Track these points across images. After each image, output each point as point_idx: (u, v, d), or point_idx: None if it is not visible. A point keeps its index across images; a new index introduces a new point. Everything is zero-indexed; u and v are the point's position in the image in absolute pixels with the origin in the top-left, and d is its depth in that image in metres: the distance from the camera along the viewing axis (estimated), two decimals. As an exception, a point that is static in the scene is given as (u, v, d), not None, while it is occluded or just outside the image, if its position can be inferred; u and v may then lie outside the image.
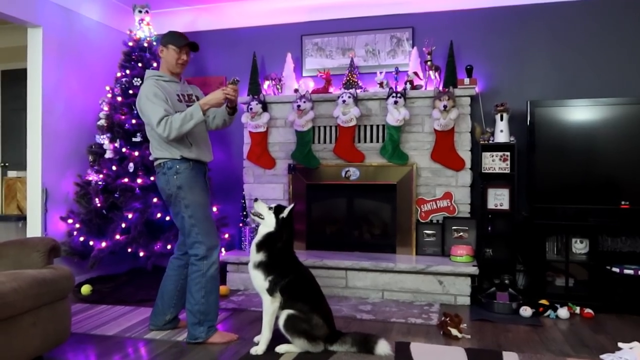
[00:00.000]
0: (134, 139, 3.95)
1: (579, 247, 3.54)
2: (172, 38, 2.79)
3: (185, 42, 2.78)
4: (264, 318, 2.59)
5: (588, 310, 3.29)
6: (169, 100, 2.68)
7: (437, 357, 2.53)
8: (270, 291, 2.58)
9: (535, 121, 3.69)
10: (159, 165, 2.76)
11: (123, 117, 3.99)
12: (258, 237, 2.67)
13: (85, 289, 3.84)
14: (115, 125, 3.97)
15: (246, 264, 3.94)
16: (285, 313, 2.56)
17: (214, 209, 4.28)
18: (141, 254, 3.78)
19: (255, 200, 2.75)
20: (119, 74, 4.19)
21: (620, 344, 2.57)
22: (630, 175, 3.53)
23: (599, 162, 3.58)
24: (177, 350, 2.65)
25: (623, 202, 3.51)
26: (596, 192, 3.58)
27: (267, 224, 2.66)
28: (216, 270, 2.76)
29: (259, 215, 2.69)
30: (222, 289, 3.82)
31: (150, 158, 2.83)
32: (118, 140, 3.97)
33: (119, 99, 4.06)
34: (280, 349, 2.56)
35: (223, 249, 4.23)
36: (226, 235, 4.33)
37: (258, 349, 2.55)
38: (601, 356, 2.54)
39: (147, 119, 2.67)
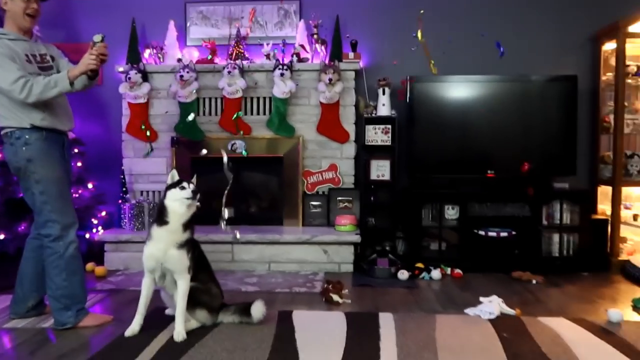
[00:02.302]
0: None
1: (451, 213, 3.81)
2: None
3: None
4: (181, 301, 2.38)
5: (458, 271, 3.58)
6: (16, 59, 2.38)
7: (318, 322, 2.60)
8: (190, 269, 2.42)
9: (414, 96, 3.87)
10: (5, 134, 2.46)
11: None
12: (184, 217, 2.39)
13: None
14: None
15: (126, 242, 3.79)
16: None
17: (90, 185, 3.99)
18: (1, 236, 3.41)
19: (180, 183, 2.41)
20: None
21: (481, 299, 2.83)
22: (497, 147, 3.86)
23: (471, 135, 3.86)
24: (42, 338, 2.44)
25: (489, 172, 3.84)
26: (467, 163, 3.87)
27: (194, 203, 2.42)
28: (76, 250, 2.53)
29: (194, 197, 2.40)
30: (99, 269, 3.61)
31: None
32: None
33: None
34: (179, 328, 2.37)
35: (100, 228, 3.96)
36: (103, 213, 4.05)
37: (179, 335, 2.35)
38: (465, 310, 2.78)
39: None
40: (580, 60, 4.14)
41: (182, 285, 2.40)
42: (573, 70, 4.02)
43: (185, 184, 2.39)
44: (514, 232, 3.67)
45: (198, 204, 2.44)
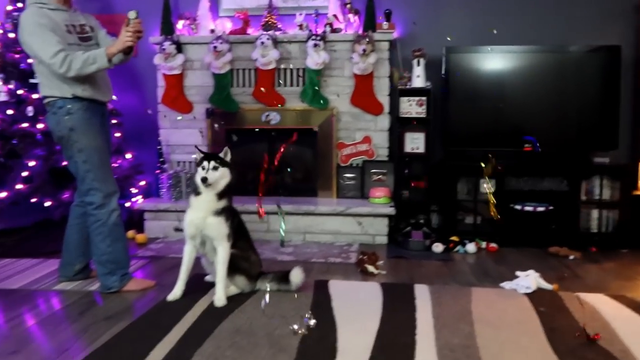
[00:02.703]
0: (31, 80, 3.59)
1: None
2: None
3: None
4: (221, 267, 2.45)
5: (493, 245, 3.55)
6: (56, 31, 2.41)
7: (353, 292, 2.63)
8: (230, 236, 2.48)
9: (450, 67, 3.79)
10: (48, 104, 2.52)
11: (17, 55, 3.62)
12: (217, 188, 2.45)
13: (-14, 243, 3.57)
14: (9, 65, 3.60)
15: (164, 211, 3.89)
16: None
17: (128, 155, 4.08)
18: (48, 204, 3.54)
19: (202, 162, 2.45)
20: (9, 7, 3.76)
21: (517, 273, 2.81)
22: (534, 120, 3.77)
23: (508, 107, 3.77)
24: (89, 300, 2.55)
25: (526, 145, 3.75)
26: (504, 136, 3.79)
27: (224, 175, 2.47)
28: (118, 217, 2.62)
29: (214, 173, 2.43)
30: (140, 237, 3.72)
31: (39, 95, 2.56)
32: (13, 82, 3.61)
33: (11, 35, 3.65)
34: (219, 294, 2.44)
35: (140, 197, 4.07)
36: (142, 183, 4.15)
37: (220, 300, 2.42)
38: (501, 284, 2.77)
39: (34, 52, 2.41)
40: (624, 30, 3.96)
41: (222, 252, 2.46)
42: (616, 40, 3.85)
43: (205, 164, 2.43)
44: (551, 207, 3.60)
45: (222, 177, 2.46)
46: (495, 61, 3.78)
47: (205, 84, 4.15)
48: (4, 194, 3.49)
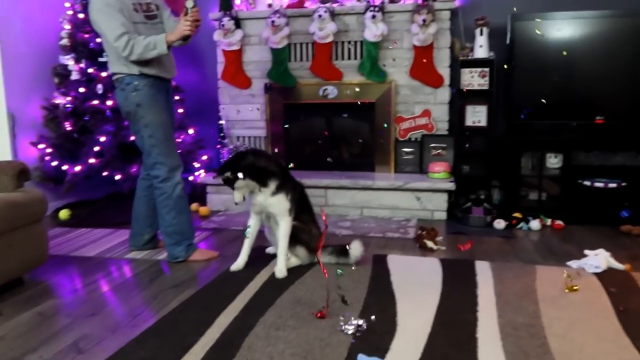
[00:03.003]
0: (100, 59, 3.75)
1: (553, 162, 3.59)
2: None
3: None
4: (282, 240, 2.51)
5: (558, 222, 3.40)
6: (124, 11, 2.49)
7: (412, 267, 2.62)
8: (291, 210, 2.53)
9: (515, 36, 3.60)
10: (117, 80, 2.63)
11: (87, 35, 3.77)
12: (258, 184, 2.49)
13: (64, 214, 3.82)
14: (79, 45, 3.77)
15: (225, 185, 3.99)
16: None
17: (190, 131, 4.20)
18: (117, 177, 3.73)
19: (235, 179, 2.45)
20: (79, -12, 3.91)
21: (586, 251, 2.69)
22: (607, 91, 3.53)
23: (578, 78, 3.55)
24: (157, 269, 2.69)
25: (598, 117, 3.54)
26: (572, 108, 3.59)
27: (248, 182, 2.47)
28: (182, 190, 2.72)
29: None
30: (203, 209, 3.86)
31: (108, 72, 2.68)
32: (83, 61, 3.78)
33: (81, 15, 3.81)
34: (280, 265, 2.50)
35: (202, 171, 4.20)
36: (204, 157, 4.28)
37: (280, 272, 2.48)
38: (568, 263, 2.66)
39: (101, 31, 2.51)
40: None
41: (283, 226, 2.52)
42: None
43: (228, 174, 2.45)
44: (623, 183, 3.40)
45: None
46: (564, 27, 3.55)
47: (263, 59, 4.18)
48: (78, 168, 3.70)
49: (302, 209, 2.62)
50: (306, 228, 2.62)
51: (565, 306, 2.12)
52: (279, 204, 2.50)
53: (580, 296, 2.22)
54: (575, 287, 2.27)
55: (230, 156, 2.53)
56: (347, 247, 2.60)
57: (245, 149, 4.11)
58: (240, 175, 2.42)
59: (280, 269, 2.49)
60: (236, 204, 2.52)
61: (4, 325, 2.03)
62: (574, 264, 2.63)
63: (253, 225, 2.62)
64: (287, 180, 2.57)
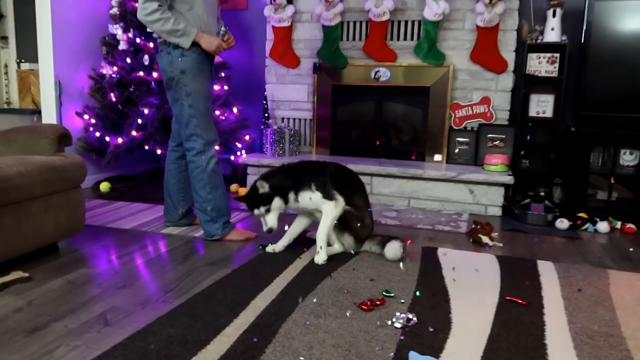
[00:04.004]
0: (148, 29, 3.66)
1: (628, 159, 3.25)
2: None
3: None
4: (325, 226, 2.31)
5: (630, 225, 3.07)
6: None
7: (466, 262, 2.38)
8: (326, 194, 2.32)
9: (593, 18, 3.26)
10: (163, 42, 2.48)
11: (136, 4, 3.67)
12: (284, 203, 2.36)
13: (104, 186, 3.77)
14: (129, 14, 3.69)
15: (267, 166, 3.84)
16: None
17: (234, 109, 4.07)
18: (159, 152, 3.64)
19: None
20: (131, -43, 3.83)
21: (668, 258, 2.38)
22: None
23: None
24: (193, 246, 2.56)
25: (682, 112, 3.16)
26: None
27: (277, 202, 2.31)
28: (216, 164, 2.58)
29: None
30: (243, 190, 3.72)
31: (154, 35, 2.55)
32: (132, 30, 3.70)
33: (132, -16, 3.74)
34: (320, 251, 2.32)
35: (244, 151, 4.07)
36: (247, 137, 4.14)
37: (320, 258, 2.30)
38: (646, 269, 2.36)
39: None
40: None
41: (327, 210, 2.33)
42: None
43: (256, 212, 2.31)
44: None
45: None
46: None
47: (314, 37, 3.99)
48: (120, 140, 3.63)
49: (352, 193, 2.41)
50: (359, 215, 2.40)
51: (648, 317, 1.84)
52: (316, 202, 2.33)
53: (665, 307, 1.94)
54: (657, 297, 1.98)
55: (248, 194, 2.36)
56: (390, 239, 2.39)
57: (290, 130, 3.96)
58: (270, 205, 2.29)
59: (321, 256, 2.30)
60: (271, 231, 2.31)
61: (33, 291, 1.95)
62: (653, 271, 2.32)
63: (301, 221, 2.52)
64: (298, 175, 2.36)
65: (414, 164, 3.67)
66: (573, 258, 2.54)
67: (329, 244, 2.41)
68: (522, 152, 3.55)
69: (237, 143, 4.04)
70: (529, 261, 2.42)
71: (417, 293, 1.98)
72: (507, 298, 1.96)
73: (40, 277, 2.08)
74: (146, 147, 3.66)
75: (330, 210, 2.32)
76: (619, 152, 3.24)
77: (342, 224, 2.37)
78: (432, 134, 3.81)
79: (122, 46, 3.71)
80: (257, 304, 1.84)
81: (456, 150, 3.74)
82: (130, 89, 3.67)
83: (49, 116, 3.70)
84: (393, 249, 2.35)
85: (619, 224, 3.12)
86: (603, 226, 3.04)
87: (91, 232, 2.72)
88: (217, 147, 2.63)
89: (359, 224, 2.40)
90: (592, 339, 1.65)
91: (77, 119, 3.82)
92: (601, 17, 3.24)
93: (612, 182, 3.27)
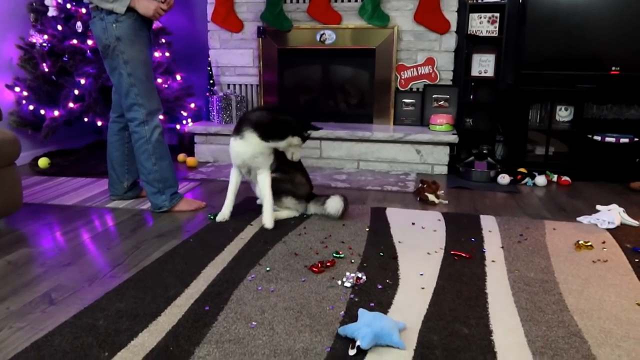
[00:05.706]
0: (79, -6, 3.45)
1: (563, 114, 3.40)
2: None
3: None
4: (266, 191, 2.35)
5: (565, 178, 3.25)
6: None
7: (413, 220, 2.45)
8: (272, 165, 2.39)
9: (530, -23, 3.33)
10: (95, 8, 2.35)
11: (64, -33, 3.45)
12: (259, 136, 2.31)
13: (43, 162, 3.60)
14: (57, -23, 3.45)
15: (215, 134, 3.78)
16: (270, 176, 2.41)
17: (178, 77, 3.94)
18: (99, 123, 3.49)
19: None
20: None
21: (598, 207, 2.53)
22: (623, 40, 3.30)
23: (594, 26, 3.31)
24: (141, 219, 2.50)
25: (613, 68, 3.32)
26: (586, 58, 3.36)
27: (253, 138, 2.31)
28: (160, 135, 2.50)
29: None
30: (190, 160, 3.65)
31: (85, 0, 2.39)
32: (61, -5, 3.47)
33: (58, -56, 3.48)
34: (266, 216, 2.34)
35: (190, 120, 3.96)
36: (192, 105, 4.03)
37: (268, 222, 2.32)
38: (578, 218, 2.51)
39: None
40: None
41: (263, 179, 2.36)
42: None
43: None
44: (636, 139, 3.22)
45: None
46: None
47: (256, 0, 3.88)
48: (57, 113, 3.46)
49: (282, 160, 2.43)
50: (288, 177, 2.44)
51: (579, 262, 1.97)
52: (264, 162, 2.36)
53: (595, 252, 2.08)
54: (588, 244, 2.12)
55: (283, 119, 2.33)
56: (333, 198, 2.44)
57: (237, 97, 3.89)
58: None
59: (267, 219, 2.33)
60: None
61: (-30, 274, 1.86)
62: (584, 219, 2.48)
63: (235, 176, 2.46)
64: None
65: (362, 127, 3.70)
66: (513, 211, 2.67)
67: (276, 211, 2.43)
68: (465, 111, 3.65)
69: (182, 112, 3.93)
70: (472, 216, 2.53)
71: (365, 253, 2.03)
72: (452, 252, 2.05)
73: (-23, 259, 1.99)
74: (85, 120, 3.50)
75: (267, 177, 2.37)
76: (555, 109, 3.38)
77: (275, 190, 2.40)
78: (379, 96, 3.83)
79: (52, 12, 3.49)
80: (208, 272, 1.83)
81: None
82: (64, 58, 3.47)
83: (-25, 90, 3.45)
84: (333, 203, 2.41)
85: (555, 177, 3.28)
86: (541, 180, 3.20)
87: (31, 211, 2.61)
88: (161, 117, 2.56)
89: (290, 185, 2.44)
90: (529, 285, 1.76)
91: (7, 91, 3.59)
92: (538, -24, 3.31)
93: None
